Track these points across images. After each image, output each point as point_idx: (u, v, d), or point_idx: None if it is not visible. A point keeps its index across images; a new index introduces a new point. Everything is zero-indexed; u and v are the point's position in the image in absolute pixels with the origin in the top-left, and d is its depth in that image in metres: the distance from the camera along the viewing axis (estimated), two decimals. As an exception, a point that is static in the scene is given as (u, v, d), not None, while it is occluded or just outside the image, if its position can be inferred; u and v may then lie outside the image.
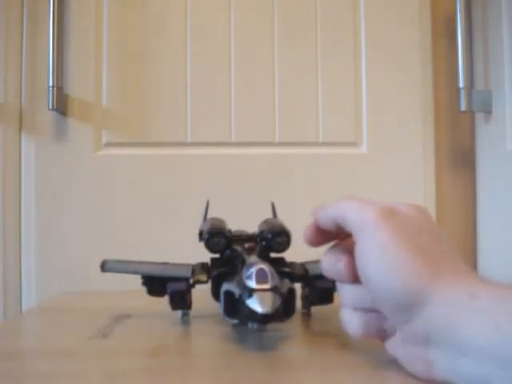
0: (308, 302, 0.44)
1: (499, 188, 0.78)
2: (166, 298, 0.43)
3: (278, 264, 0.40)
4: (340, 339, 0.35)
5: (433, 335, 0.24)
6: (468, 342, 0.22)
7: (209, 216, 0.51)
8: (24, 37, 0.80)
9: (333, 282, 0.33)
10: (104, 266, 0.48)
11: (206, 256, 0.44)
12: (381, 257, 0.26)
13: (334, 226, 0.31)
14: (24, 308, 0.78)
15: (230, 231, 0.44)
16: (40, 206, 0.78)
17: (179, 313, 0.43)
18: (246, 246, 0.41)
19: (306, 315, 0.44)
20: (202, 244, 0.43)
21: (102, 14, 0.81)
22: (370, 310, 0.28)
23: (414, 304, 0.25)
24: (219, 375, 0.29)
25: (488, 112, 0.80)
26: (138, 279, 0.45)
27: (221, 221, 0.45)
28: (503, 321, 0.21)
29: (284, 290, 0.33)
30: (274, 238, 0.40)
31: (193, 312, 0.44)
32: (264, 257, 0.39)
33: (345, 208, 0.29)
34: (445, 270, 0.25)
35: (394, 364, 0.29)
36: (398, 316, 0.26)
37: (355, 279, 0.29)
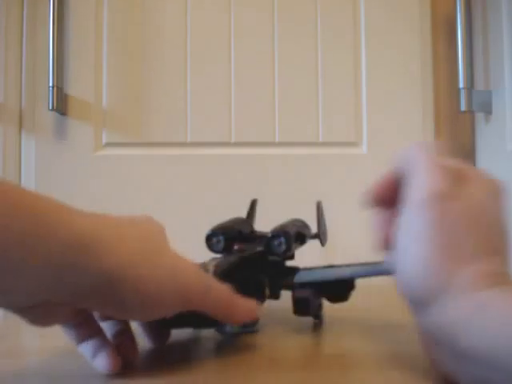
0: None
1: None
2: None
3: (274, 268, 0.39)
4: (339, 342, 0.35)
5: (438, 335, 0.24)
6: (469, 350, 0.22)
7: (257, 215, 0.48)
8: (24, 37, 0.80)
9: (309, 293, 0.36)
10: None
11: (207, 256, 0.44)
12: (409, 244, 0.25)
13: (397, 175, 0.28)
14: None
15: (252, 231, 0.42)
16: (40, 206, 0.78)
17: None
18: (236, 247, 0.40)
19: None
20: (201, 244, 0.43)
21: (102, 14, 0.81)
22: None
23: (425, 301, 0.24)
24: (222, 375, 0.29)
25: (488, 112, 0.80)
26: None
27: (237, 221, 0.44)
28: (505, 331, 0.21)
29: None
30: (271, 240, 0.39)
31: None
32: (261, 259, 0.39)
33: (415, 164, 0.27)
34: (465, 274, 0.24)
35: (394, 364, 0.29)
36: (416, 307, 0.26)
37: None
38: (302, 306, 0.37)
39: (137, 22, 0.82)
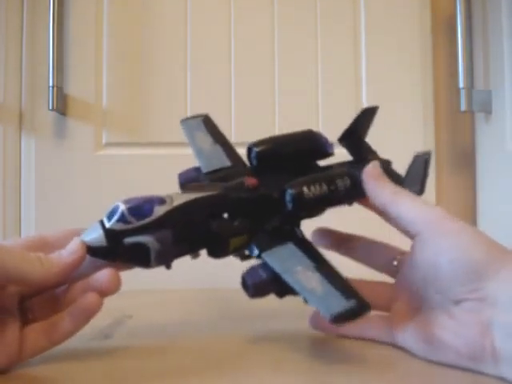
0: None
1: (499, 188, 0.78)
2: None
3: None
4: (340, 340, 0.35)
5: (501, 297, 0.27)
6: None
7: None
8: (24, 37, 0.80)
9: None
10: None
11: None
12: (457, 237, 0.30)
13: (379, 211, 0.34)
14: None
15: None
16: (40, 206, 0.78)
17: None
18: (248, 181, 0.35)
19: None
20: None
21: (102, 14, 0.81)
22: None
23: (490, 270, 0.28)
24: (222, 375, 0.29)
25: (488, 112, 0.80)
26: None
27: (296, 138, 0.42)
28: None
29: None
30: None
31: (192, 312, 0.44)
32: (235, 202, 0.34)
33: (404, 208, 0.32)
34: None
35: (397, 366, 0.29)
36: (466, 286, 0.28)
37: None
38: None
39: (137, 22, 0.82)
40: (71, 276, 0.30)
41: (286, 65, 0.83)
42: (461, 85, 0.80)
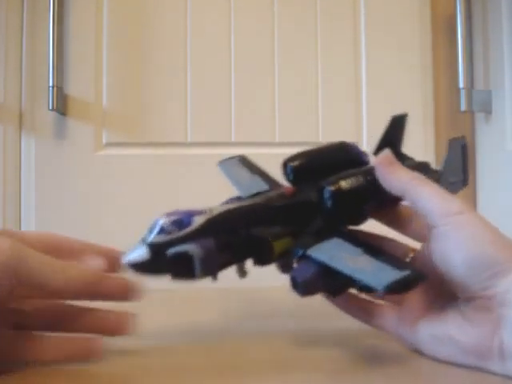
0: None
1: (499, 187, 0.78)
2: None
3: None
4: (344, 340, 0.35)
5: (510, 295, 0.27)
6: None
7: None
8: (24, 37, 0.80)
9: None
10: None
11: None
12: (474, 233, 0.30)
13: (396, 196, 0.32)
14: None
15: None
16: (40, 206, 0.78)
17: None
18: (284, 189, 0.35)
19: None
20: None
21: (102, 15, 0.81)
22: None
23: (504, 268, 0.28)
24: (220, 375, 0.29)
25: (488, 112, 0.80)
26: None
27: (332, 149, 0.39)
28: None
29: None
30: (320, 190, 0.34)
31: (195, 312, 0.44)
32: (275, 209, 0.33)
33: (423, 196, 0.31)
34: None
35: (395, 364, 0.29)
36: (479, 284, 0.28)
37: None
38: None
39: (137, 22, 0.82)
40: (90, 294, 0.29)
41: (286, 65, 0.83)
42: (461, 85, 0.80)
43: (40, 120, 0.80)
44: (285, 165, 0.36)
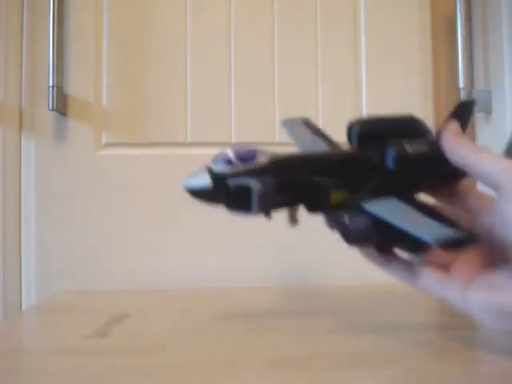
0: None
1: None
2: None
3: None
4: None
5: None
6: None
7: None
8: (24, 37, 0.80)
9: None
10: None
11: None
12: None
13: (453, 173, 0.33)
14: (24, 308, 0.78)
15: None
16: (40, 206, 0.78)
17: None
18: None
19: None
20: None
21: (101, 14, 0.81)
22: None
23: None
24: (220, 373, 0.29)
25: (488, 112, 0.80)
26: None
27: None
28: None
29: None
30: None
31: (190, 311, 0.44)
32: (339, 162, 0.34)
33: (485, 162, 0.31)
34: None
35: (398, 363, 0.29)
36: None
37: None
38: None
39: (137, 21, 0.82)
40: None
41: (286, 65, 0.83)
42: (461, 85, 0.80)
43: (40, 120, 0.80)
44: (350, 128, 0.37)
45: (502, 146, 0.77)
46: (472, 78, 0.81)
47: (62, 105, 0.79)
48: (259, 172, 0.31)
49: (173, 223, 0.80)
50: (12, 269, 0.78)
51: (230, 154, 0.32)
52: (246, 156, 0.32)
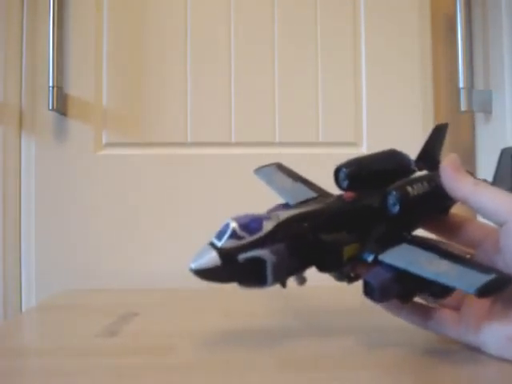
0: None
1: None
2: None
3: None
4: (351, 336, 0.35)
5: None
6: None
7: None
8: (24, 37, 0.80)
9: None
10: None
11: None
12: None
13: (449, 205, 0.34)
14: (24, 308, 0.78)
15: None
16: (40, 206, 0.78)
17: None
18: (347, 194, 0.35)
19: None
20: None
21: (102, 14, 0.81)
22: None
23: None
24: (228, 373, 0.29)
25: (488, 112, 0.80)
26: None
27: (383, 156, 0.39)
28: None
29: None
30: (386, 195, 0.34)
31: (199, 310, 0.44)
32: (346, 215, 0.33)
33: (486, 199, 0.31)
34: None
35: (404, 363, 0.29)
36: None
37: None
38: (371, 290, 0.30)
39: (137, 21, 0.82)
40: None
41: (286, 65, 0.83)
42: (461, 85, 0.80)
43: (40, 120, 0.80)
44: (338, 171, 0.36)
45: (501, 146, 0.77)
46: (472, 78, 0.81)
47: (62, 105, 0.79)
48: (268, 241, 0.30)
49: (173, 223, 0.80)
50: (12, 269, 0.78)
51: (235, 225, 0.30)
52: (251, 225, 0.30)
